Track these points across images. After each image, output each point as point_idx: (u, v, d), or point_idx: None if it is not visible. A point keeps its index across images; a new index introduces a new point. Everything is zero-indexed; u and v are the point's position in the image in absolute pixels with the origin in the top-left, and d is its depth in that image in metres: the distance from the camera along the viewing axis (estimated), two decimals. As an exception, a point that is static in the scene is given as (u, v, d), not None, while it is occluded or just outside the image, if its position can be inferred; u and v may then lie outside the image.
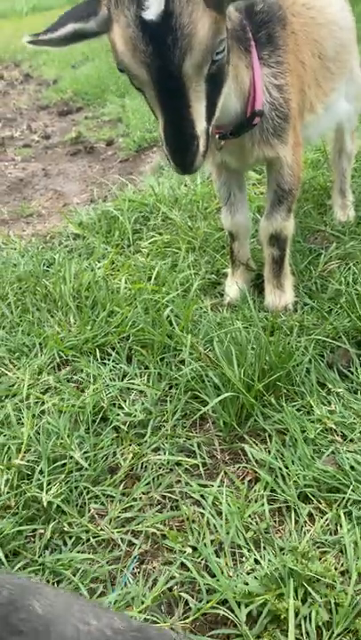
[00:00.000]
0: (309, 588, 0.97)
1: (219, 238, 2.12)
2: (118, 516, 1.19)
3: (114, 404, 1.45)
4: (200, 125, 1.13)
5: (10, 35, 9.40)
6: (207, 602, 0.99)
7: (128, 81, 1.18)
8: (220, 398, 1.32)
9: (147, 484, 1.25)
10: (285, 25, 1.45)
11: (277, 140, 1.47)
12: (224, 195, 1.74)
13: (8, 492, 1.21)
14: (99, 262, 2.12)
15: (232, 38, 1.27)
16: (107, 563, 1.10)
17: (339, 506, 1.12)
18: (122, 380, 1.52)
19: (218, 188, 1.76)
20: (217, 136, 1.43)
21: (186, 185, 2.72)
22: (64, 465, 1.26)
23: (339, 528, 1.09)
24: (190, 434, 1.37)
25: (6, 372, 1.61)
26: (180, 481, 1.25)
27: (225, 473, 1.26)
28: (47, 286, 1.96)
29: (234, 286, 1.83)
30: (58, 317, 1.81)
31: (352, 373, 1.46)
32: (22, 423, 1.37)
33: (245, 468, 1.27)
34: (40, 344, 1.71)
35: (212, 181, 1.93)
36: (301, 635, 0.94)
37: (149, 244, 2.18)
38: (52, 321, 1.80)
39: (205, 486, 1.22)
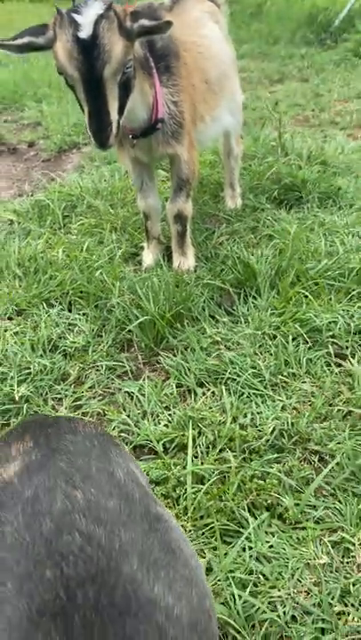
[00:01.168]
0: (201, 426, 1.52)
1: (135, 221, 2.65)
2: (72, 405, 1.67)
3: (61, 338, 1.93)
4: (113, 116, 1.63)
5: None
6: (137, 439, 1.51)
7: (62, 83, 1.65)
8: (141, 320, 1.85)
9: (91, 387, 1.75)
10: (179, 58, 2.00)
11: (175, 141, 2.02)
12: (138, 183, 2.27)
13: (-12, 393, 1.66)
14: (36, 241, 2.56)
15: (139, 66, 1.80)
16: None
17: (221, 384, 1.68)
18: (66, 320, 2.00)
19: (133, 179, 2.28)
20: (131, 136, 1.95)
21: (106, 180, 3.23)
22: (29, 373, 1.72)
23: (221, 398, 1.65)
24: (121, 354, 1.88)
25: (-29, 320, 2.03)
26: (114, 381, 1.76)
27: (147, 376, 1.78)
28: (-6, 259, 2.38)
29: (149, 255, 2.36)
30: (7, 282, 2.25)
31: (235, 311, 2.04)
32: (-7, 350, 1.81)
33: (161, 371, 1.80)
34: (-6, 302, 2.14)
35: (129, 175, 2.44)
36: (197, 453, 1.48)
37: (78, 225, 2.66)
38: (2, 284, 2.23)
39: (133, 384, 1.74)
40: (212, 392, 1.68)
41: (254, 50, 7.37)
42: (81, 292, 2.10)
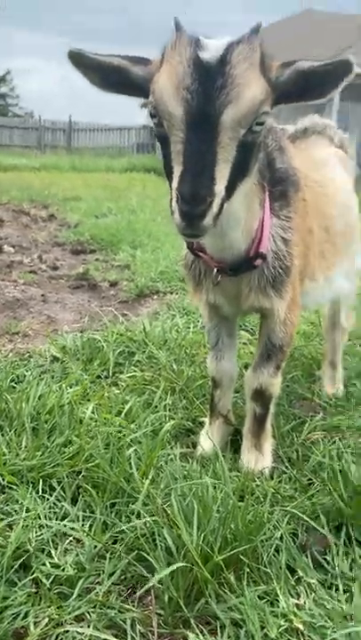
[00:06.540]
0: None
1: (202, 385, 2.01)
2: None
3: (42, 550, 1.20)
4: (220, 185, 1.05)
5: (47, 183, 10.27)
6: None
7: (156, 138, 1.15)
8: (170, 569, 1.08)
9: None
10: (298, 189, 1.50)
11: (275, 291, 1.43)
12: (213, 339, 1.67)
13: None
14: (70, 388, 1.97)
15: (258, 166, 1.29)
16: None
17: None
18: (61, 521, 1.28)
19: (207, 331, 1.70)
20: (216, 270, 1.40)
21: (178, 331, 2.70)
22: None
23: None
24: (126, 606, 1.10)
25: None
26: (97, 669, 0.97)
27: (158, 669, 0.98)
28: (8, 401, 1.79)
29: (209, 437, 1.66)
30: (8, 437, 1.62)
31: (328, 563, 1.24)
32: None
33: (184, 665, 0.99)
34: (-21, 463, 1.49)
35: (204, 328, 1.88)
36: None
37: (129, 377, 2.06)
38: (1, 439, 1.60)
39: None
40: None
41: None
42: (97, 477, 1.41)
